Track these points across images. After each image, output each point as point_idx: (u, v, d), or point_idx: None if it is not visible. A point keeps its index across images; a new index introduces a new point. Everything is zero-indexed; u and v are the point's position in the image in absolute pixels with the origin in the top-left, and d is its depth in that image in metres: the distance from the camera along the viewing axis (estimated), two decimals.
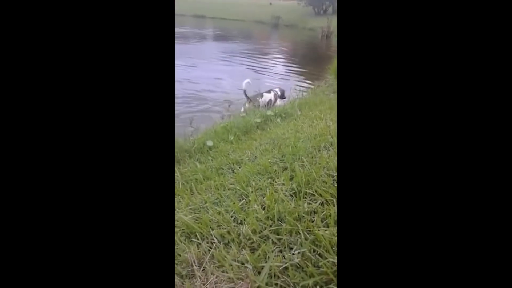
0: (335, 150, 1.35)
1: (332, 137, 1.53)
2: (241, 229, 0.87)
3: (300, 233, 0.80)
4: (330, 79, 4.91)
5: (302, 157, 1.29)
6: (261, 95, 3.73)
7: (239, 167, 1.52)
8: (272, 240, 0.81)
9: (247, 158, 1.66)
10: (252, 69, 7.11)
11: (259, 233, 0.85)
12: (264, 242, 0.81)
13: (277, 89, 3.99)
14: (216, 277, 0.73)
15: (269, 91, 3.88)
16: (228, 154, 1.87)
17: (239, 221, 0.94)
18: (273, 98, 3.80)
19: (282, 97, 3.98)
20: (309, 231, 0.81)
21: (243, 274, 0.72)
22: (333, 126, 1.78)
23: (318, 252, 0.74)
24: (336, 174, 1.10)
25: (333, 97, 3.10)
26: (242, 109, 3.57)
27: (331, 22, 12.25)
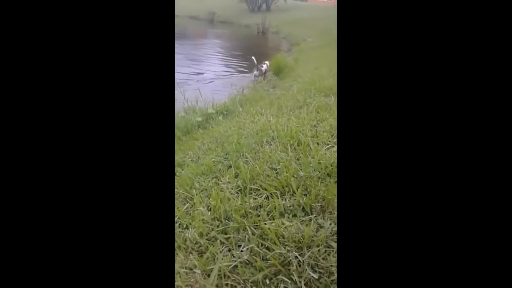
0: (277, 144, 1.39)
1: (273, 131, 1.57)
2: (187, 234, 0.84)
3: (247, 229, 0.80)
4: (269, 75, 5.05)
5: (246, 154, 1.31)
6: (261, 65, 5.26)
7: (182, 170, 1.46)
8: (220, 240, 0.80)
9: (190, 159, 1.61)
10: (192, 64, 6.88)
11: (206, 235, 0.83)
12: (212, 244, 0.79)
13: (267, 62, 5.50)
14: None
15: (263, 64, 5.37)
16: None
17: (184, 226, 0.91)
18: (267, 68, 5.35)
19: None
20: (256, 226, 0.82)
21: (192, 280, 0.69)
22: (273, 121, 1.83)
23: (266, 246, 0.75)
24: (279, 167, 1.14)
25: (272, 92, 3.20)
26: (254, 73, 5.20)
27: (266, 19, 12.59)
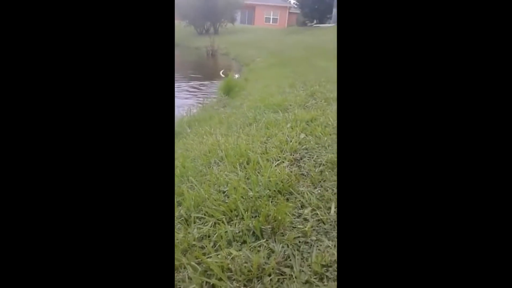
0: (226, 164, 1.32)
1: (222, 151, 1.49)
2: None
3: (187, 268, 0.69)
4: (219, 94, 5.02)
5: (191, 178, 1.20)
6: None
7: None
8: None
9: None
10: None
11: None
12: None
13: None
14: None
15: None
16: None
17: None
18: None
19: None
20: (199, 261, 0.71)
21: None
22: (222, 140, 1.76)
23: (211, 283, 0.65)
24: (227, 189, 1.06)
25: (222, 111, 3.15)
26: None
27: (214, 42, 12.80)
